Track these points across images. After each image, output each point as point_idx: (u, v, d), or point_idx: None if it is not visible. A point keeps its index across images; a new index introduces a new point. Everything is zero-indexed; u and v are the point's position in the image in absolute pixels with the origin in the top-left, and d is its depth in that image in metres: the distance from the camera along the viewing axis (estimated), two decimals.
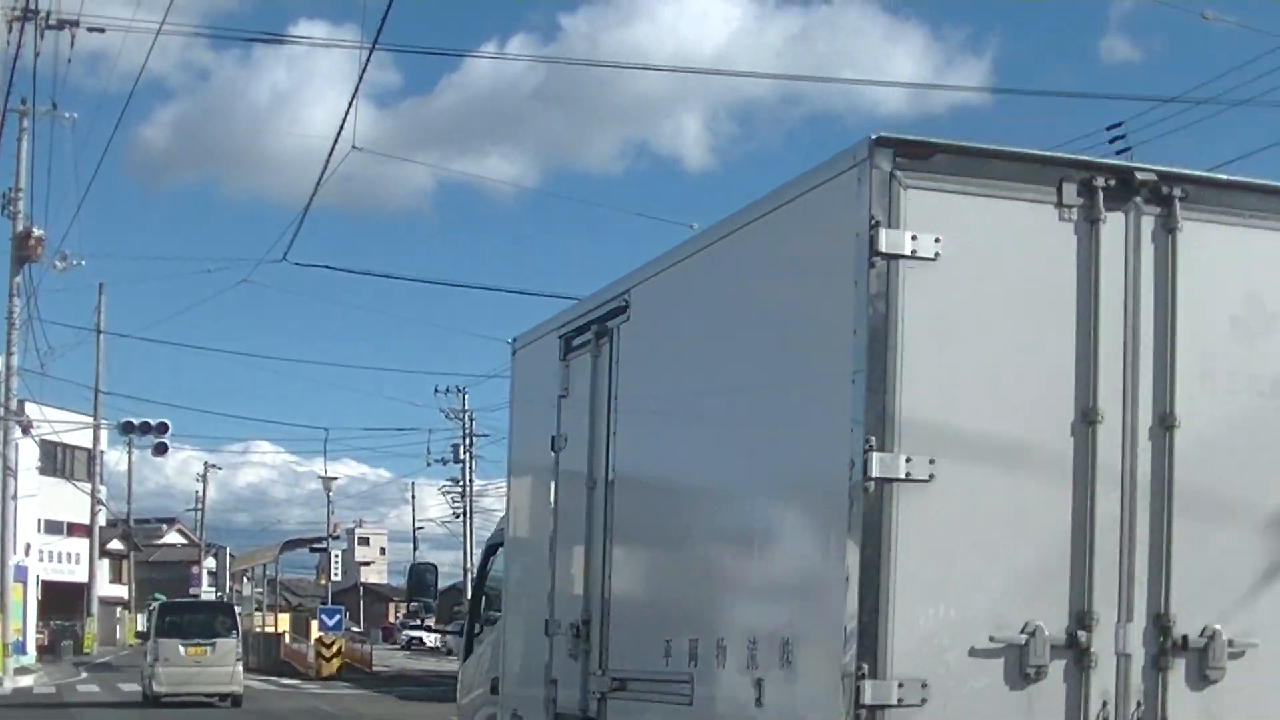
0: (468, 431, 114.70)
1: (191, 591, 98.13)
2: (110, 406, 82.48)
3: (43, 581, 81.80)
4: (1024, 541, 8.92)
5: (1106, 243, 9.18)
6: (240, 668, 44.90)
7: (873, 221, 8.73)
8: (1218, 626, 9.10)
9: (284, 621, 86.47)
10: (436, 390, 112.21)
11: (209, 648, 43.64)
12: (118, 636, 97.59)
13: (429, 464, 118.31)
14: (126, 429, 75.38)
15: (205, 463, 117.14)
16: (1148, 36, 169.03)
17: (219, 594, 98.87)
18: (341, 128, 29.14)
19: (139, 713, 41.69)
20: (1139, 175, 9.33)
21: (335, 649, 65.66)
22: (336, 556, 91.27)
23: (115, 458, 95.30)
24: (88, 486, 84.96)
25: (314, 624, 74.97)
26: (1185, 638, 9.04)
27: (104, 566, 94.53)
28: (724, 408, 10.76)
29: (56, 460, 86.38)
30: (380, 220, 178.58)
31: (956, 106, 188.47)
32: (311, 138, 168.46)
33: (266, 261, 51.05)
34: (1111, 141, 44.88)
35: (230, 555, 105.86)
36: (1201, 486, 9.14)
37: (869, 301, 8.68)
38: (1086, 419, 8.99)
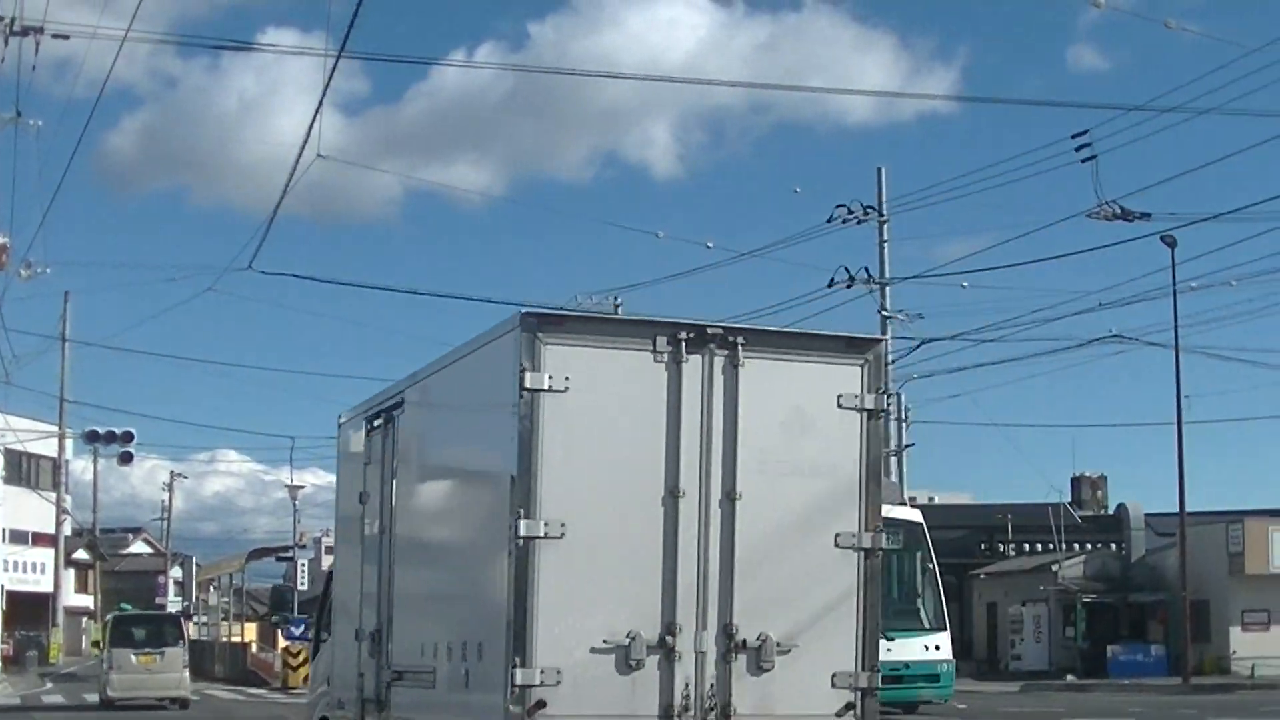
0: None
1: (158, 601, 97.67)
2: (76, 415, 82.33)
3: (8, 592, 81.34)
4: (628, 576, 13.65)
5: (688, 375, 13.88)
6: (187, 674, 48.37)
7: (522, 367, 13.43)
8: (769, 633, 13.88)
9: (250, 631, 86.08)
10: None
11: (158, 656, 47.40)
12: (83, 647, 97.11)
13: None
14: (91, 438, 75.31)
15: (171, 472, 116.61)
16: (1116, 46, 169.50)
17: (185, 603, 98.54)
18: (307, 136, 29.21)
19: (95, 715, 45.22)
20: (709, 330, 14.04)
21: (302, 658, 65.33)
22: (303, 565, 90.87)
23: (81, 467, 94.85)
24: (53, 496, 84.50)
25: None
26: (745, 641, 13.79)
27: (69, 576, 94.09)
28: (447, 485, 16.68)
29: (21, 469, 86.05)
30: (349, 228, 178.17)
31: (925, 114, 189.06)
32: (278, 145, 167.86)
33: (232, 270, 50.95)
34: (1077, 149, 45.26)
35: (196, 564, 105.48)
36: (755, 537, 13.89)
37: (519, 421, 13.45)
38: (672, 494, 13.75)
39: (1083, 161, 43.80)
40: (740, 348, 14.23)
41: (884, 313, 57.03)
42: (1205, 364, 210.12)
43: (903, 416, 57.78)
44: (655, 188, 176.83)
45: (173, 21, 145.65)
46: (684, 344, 14.06)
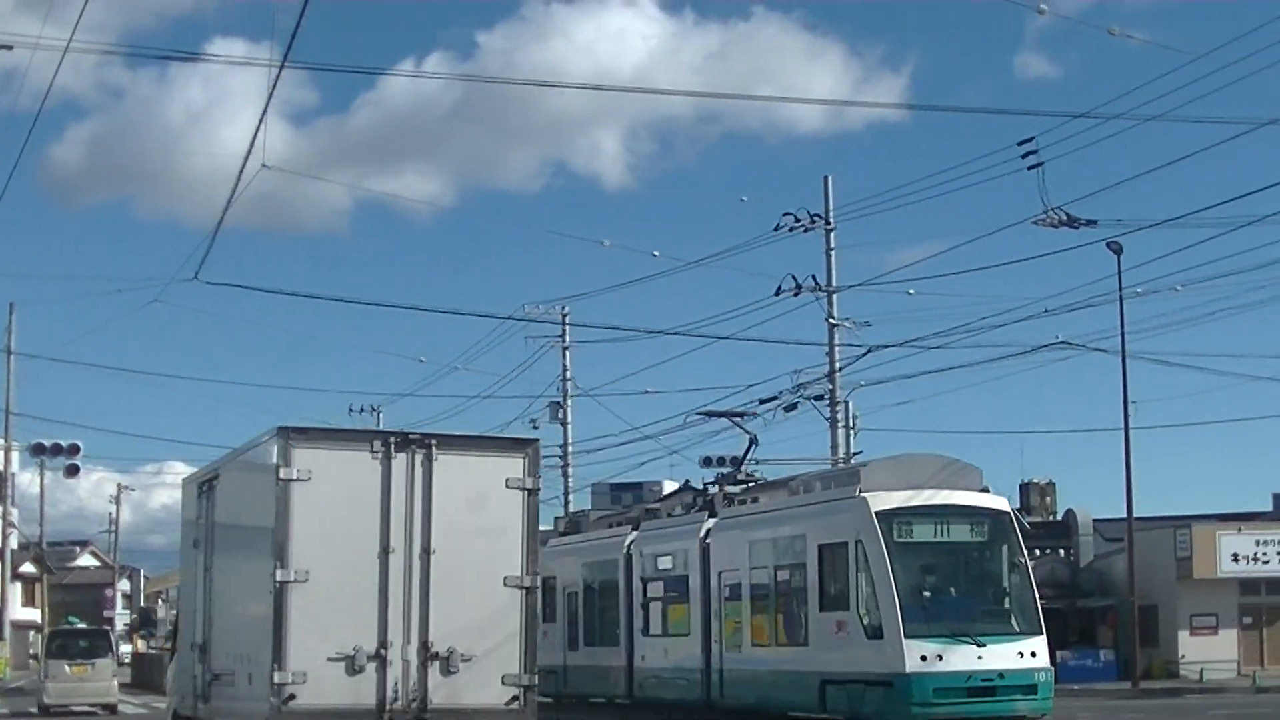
0: None
1: (105, 614, 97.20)
2: (21, 427, 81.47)
3: None
4: (354, 608, 20.87)
5: (396, 468, 21.28)
6: (116, 682, 54.85)
7: (278, 464, 20.84)
8: (456, 647, 21.35)
9: None
10: (351, 410, 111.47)
11: (89, 666, 53.70)
12: (31, 661, 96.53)
13: None
14: (37, 450, 74.85)
15: (118, 484, 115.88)
16: (1064, 53, 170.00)
17: (133, 615, 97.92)
18: (251, 146, 29.12)
19: None
20: (411, 435, 21.77)
21: None
22: None
23: (27, 479, 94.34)
24: None
25: None
26: (438, 652, 21.29)
27: (16, 590, 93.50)
28: (237, 540, 23.75)
29: None
30: (297, 239, 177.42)
31: (874, 122, 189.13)
32: (225, 156, 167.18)
33: (177, 281, 50.78)
34: (1024, 156, 45.28)
35: (144, 577, 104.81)
36: (445, 581, 21.30)
37: (277, 500, 20.77)
38: (385, 551, 21.20)
39: (1029, 169, 43.87)
40: (434, 447, 21.74)
41: (831, 320, 57.05)
42: (1152, 370, 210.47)
43: (850, 424, 57.81)
44: (605, 197, 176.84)
45: (119, 32, 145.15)
46: (393, 446, 21.56)
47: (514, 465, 22.10)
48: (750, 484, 41.25)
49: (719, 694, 37.01)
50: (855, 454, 57.58)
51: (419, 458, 21.51)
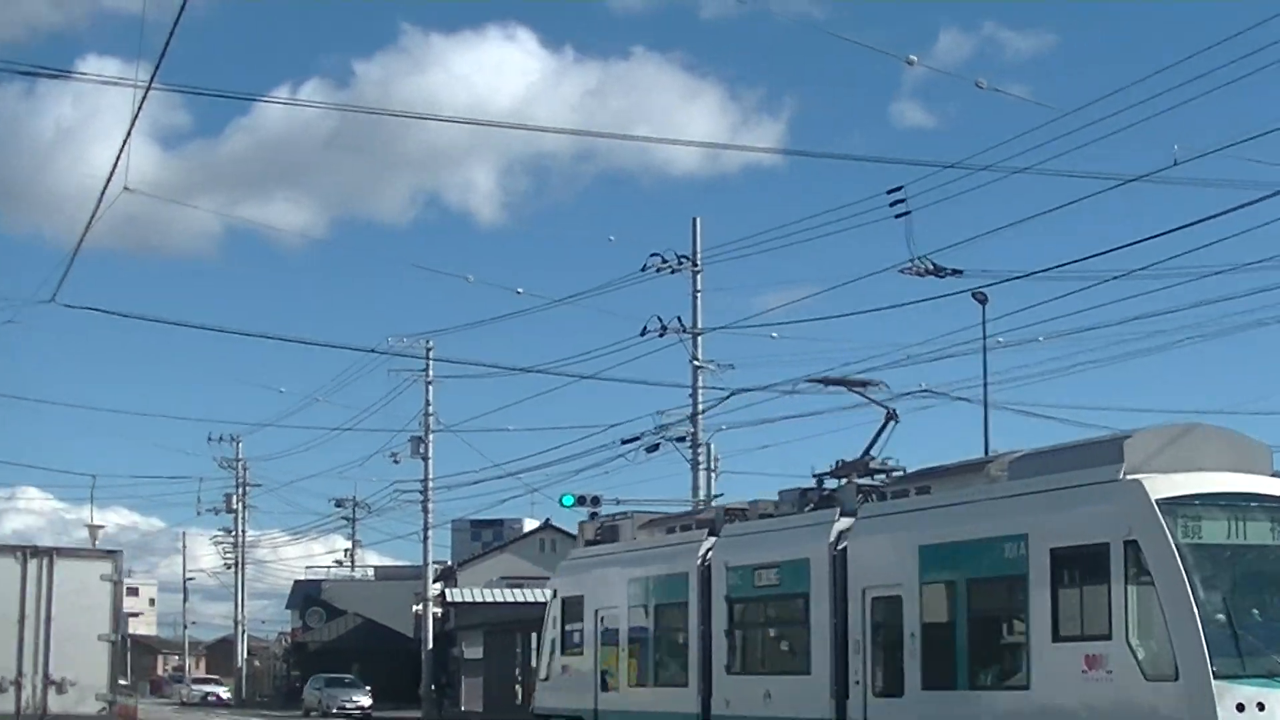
0: (241, 480, 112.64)
1: None
2: None
3: None
4: (3, 653, 35.00)
5: (30, 569, 34.98)
6: None
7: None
8: (67, 675, 34.81)
9: None
10: (210, 438, 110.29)
11: None
12: None
13: (200, 513, 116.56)
14: None
15: None
16: (939, 103, 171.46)
17: None
18: (114, 167, 28.69)
19: None
20: (41, 547, 36.44)
21: None
22: None
23: None
24: None
25: None
26: (55, 680, 34.79)
27: None
28: None
29: None
30: (164, 263, 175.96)
31: (749, 165, 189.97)
32: (90, 176, 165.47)
33: (34, 302, 49.71)
34: (892, 204, 45.26)
35: None
36: (59, 637, 34.86)
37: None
38: (20, 620, 34.78)
39: (897, 217, 43.74)
40: (55, 555, 35.60)
41: (695, 362, 56.86)
42: (1013, 419, 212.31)
43: (711, 466, 57.53)
44: (477, 232, 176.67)
45: None
46: (28, 554, 35.31)
47: (106, 565, 35.81)
48: (893, 475, 31.65)
49: None
50: (716, 497, 57.37)
51: (45, 561, 35.04)
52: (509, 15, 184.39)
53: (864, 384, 34.72)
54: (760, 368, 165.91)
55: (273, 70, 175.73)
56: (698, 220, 58.39)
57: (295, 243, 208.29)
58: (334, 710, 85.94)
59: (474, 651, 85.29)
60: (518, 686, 79.26)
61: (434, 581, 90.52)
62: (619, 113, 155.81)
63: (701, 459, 56.95)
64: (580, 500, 56.50)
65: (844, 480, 31.65)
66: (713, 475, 57.51)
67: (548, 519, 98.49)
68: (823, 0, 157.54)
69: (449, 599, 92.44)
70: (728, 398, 56.40)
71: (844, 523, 29.29)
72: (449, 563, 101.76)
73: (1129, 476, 23.57)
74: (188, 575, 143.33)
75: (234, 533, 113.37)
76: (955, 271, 47.30)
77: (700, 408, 57.06)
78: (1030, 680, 24.57)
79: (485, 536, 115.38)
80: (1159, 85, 33.26)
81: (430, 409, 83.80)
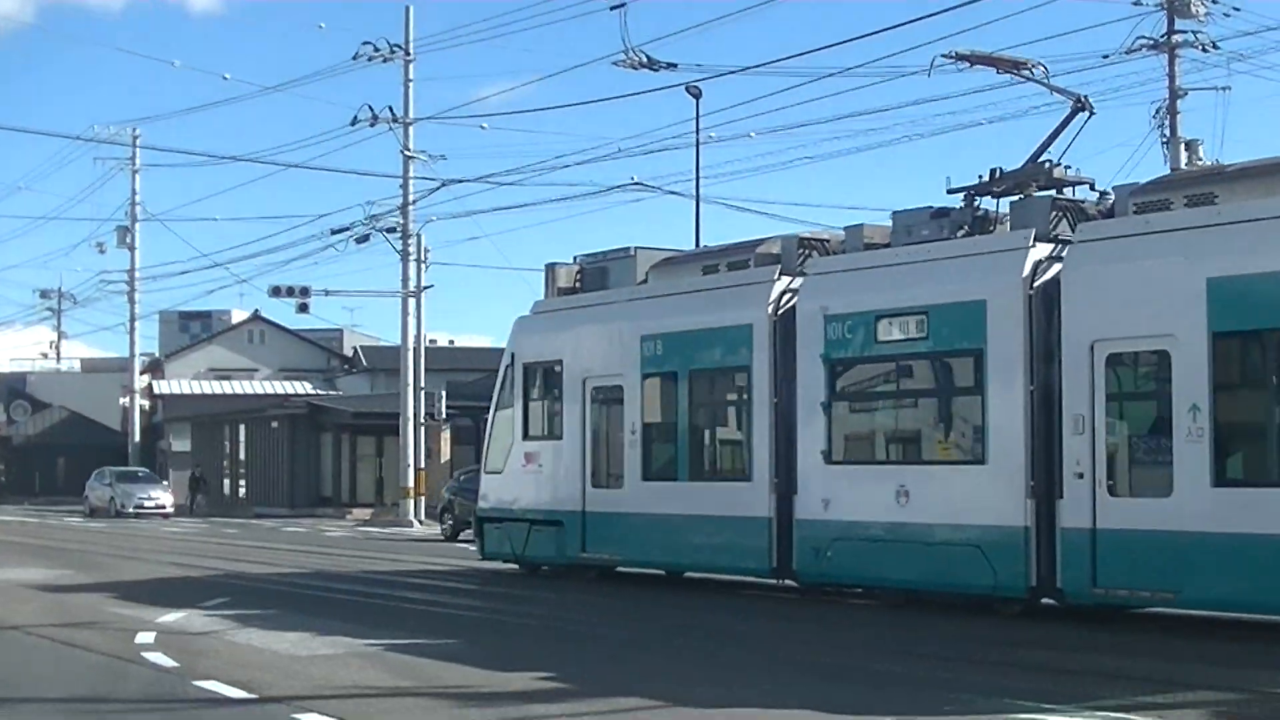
0: None
1: None
2: None
3: None
4: None
5: None
6: None
7: None
8: None
9: None
10: None
11: None
12: None
13: None
14: None
15: None
16: None
17: None
18: None
19: None
20: None
21: None
22: None
23: None
24: None
25: None
26: None
27: None
28: None
29: None
30: None
31: None
32: None
33: None
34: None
35: None
36: None
37: None
38: None
39: (612, 9, 43.36)
40: None
41: (406, 152, 56.61)
42: (725, 214, 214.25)
43: (422, 258, 57.25)
44: (190, 18, 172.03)
45: None
46: None
47: None
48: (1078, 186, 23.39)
49: (1071, 574, 20.34)
50: (427, 288, 57.20)
51: None
52: None
53: (1016, 64, 25.36)
54: (474, 160, 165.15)
55: None
56: (410, 8, 57.82)
57: None
58: (130, 510, 68.96)
59: (181, 445, 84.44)
60: (225, 479, 78.81)
61: (141, 374, 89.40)
62: None
63: (412, 250, 56.67)
64: (289, 290, 56.01)
65: (1016, 194, 23.51)
66: (423, 266, 57.29)
67: (256, 310, 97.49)
68: None
69: (156, 391, 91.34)
70: (438, 189, 56.26)
71: (1040, 250, 21.38)
72: (157, 355, 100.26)
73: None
74: None
75: None
76: (670, 65, 47.19)
77: (411, 199, 56.74)
78: None
79: (193, 328, 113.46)
80: None
81: (137, 198, 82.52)
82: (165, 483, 74.52)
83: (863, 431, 23.99)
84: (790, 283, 24.86)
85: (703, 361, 26.08)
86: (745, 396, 25.31)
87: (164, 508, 69.43)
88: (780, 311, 24.64)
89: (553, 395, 29.12)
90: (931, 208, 23.79)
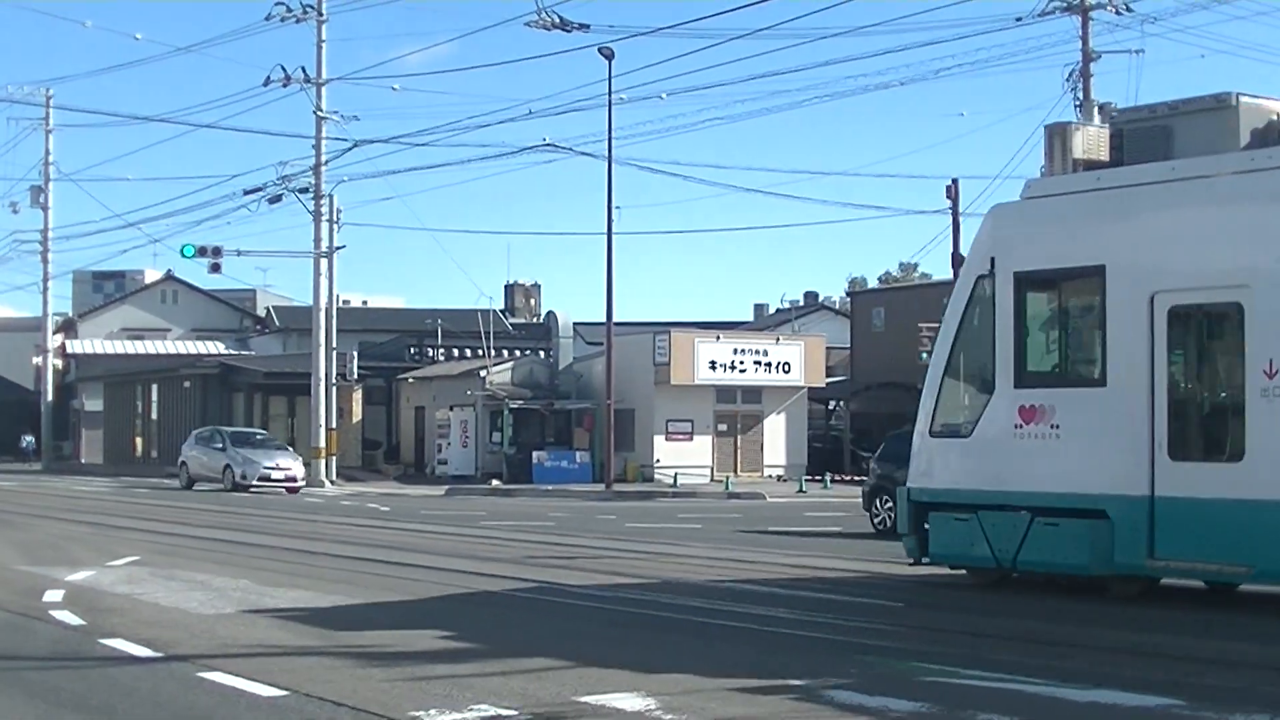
0: None
1: None
2: None
3: None
4: None
5: None
6: None
7: None
8: None
9: None
10: None
11: None
12: None
13: None
14: None
15: None
16: None
17: None
18: None
19: None
20: None
21: None
22: None
23: None
24: None
25: None
26: None
27: None
28: None
29: None
30: None
31: None
32: None
33: None
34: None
35: None
36: None
37: None
38: None
39: None
40: None
41: (319, 113, 56.56)
42: (638, 176, 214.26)
43: (334, 218, 57.22)
44: None
45: None
46: None
47: None
48: None
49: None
50: (339, 248, 57.19)
51: None
52: None
53: None
54: (386, 120, 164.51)
55: None
56: None
57: None
58: (254, 483, 53.81)
59: (94, 404, 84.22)
60: (138, 439, 78.61)
61: (54, 333, 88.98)
62: None
63: (324, 210, 56.64)
64: (201, 251, 55.86)
65: None
66: (335, 227, 57.27)
67: (169, 270, 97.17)
68: None
69: (70, 351, 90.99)
70: (351, 149, 56.30)
71: None
72: (70, 314, 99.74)
73: None
74: None
75: None
76: (582, 26, 47.49)
77: (323, 159, 56.71)
78: None
79: (107, 288, 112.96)
80: None
81: (50, 158, 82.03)
82: (290, 449, 58.71)
83: None
84: None
85: None
86: None
87: (295, 480, 54.52)
88: None
89: (1083, 319, 20.13)
90: None
